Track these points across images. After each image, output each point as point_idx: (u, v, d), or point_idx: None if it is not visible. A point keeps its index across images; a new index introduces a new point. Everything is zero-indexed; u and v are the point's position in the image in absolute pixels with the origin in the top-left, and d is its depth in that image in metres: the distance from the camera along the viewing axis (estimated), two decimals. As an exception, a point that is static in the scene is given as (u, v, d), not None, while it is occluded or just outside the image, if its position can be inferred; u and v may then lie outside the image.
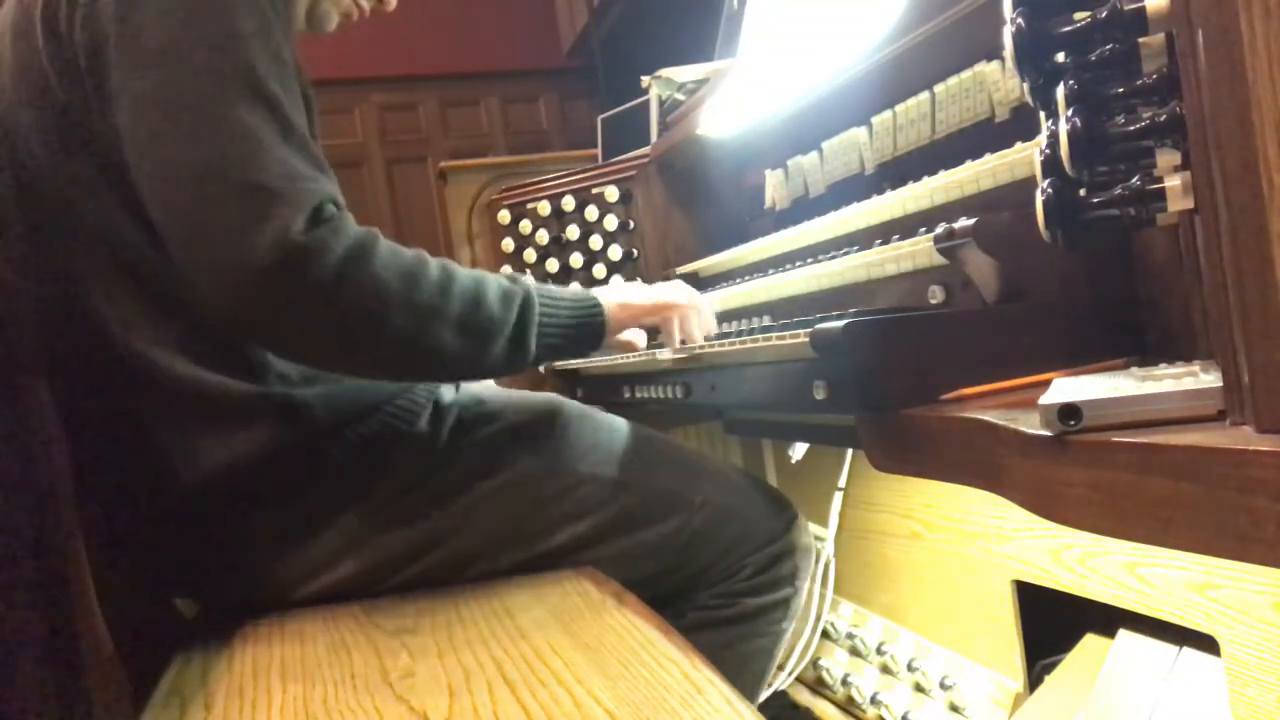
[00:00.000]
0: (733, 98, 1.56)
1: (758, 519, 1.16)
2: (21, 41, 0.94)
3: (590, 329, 1.05)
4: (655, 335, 1.41)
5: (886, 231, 1.17)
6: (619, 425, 1.14)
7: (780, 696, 1.72)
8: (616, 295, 1.09)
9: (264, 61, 0.86)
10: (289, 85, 0.89)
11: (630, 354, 1.29)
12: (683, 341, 1.13)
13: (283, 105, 0.86)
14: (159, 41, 0.85)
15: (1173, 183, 0.52)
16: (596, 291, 1.08)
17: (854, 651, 1.59)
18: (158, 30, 0.85)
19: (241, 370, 0.94)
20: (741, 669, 1.16)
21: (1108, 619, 1.05)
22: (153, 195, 0.86)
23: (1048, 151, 0.58)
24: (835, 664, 1.61)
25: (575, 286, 1.07)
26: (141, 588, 1.07)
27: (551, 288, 1.03)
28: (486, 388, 1.18)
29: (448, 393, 1.08)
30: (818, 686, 1.67)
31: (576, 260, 1.88)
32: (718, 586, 1.14)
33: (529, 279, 1.02)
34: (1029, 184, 0.84)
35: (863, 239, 1.22)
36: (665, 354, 1.15)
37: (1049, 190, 0.58)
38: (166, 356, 0.93)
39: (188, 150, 0.83)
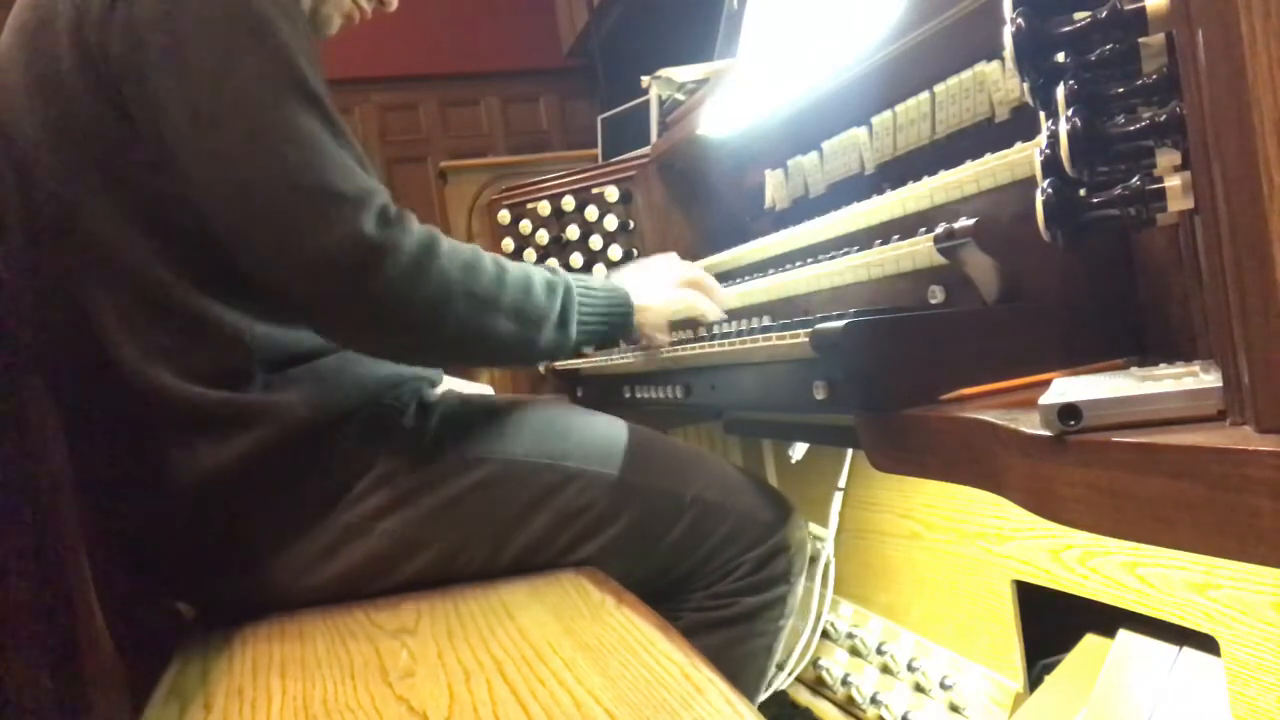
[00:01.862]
0: (733, 98, 1.56)
1: (752, 516, 1.15)
2: (36, 46, 0.94)
3: (621, 320, 1.12)
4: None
5: (886, 231, 1.17)
6: (608, 423, 1.14)
7: (780, 696, 1.72)
8: (645, 293, 1.15)
9: (306, 64, 0.90)
10: (324, 84, 0.91)
11: (630, 354, 1.30)
12: (677, 343, 1.16)
13: (330, 108, 0.90)
14: (206, 52, 0.87)
15: (1173, 183, 0.52)
16: (627, 285, 1.14)
17: (854, 651, 1.59)
18: (203, 40, 0.87)
19: (224, 380, 0.94)
20: (742, 669, 1.16)
21: (1108, 619, 1.05)
22: (221, 208, 0.89)
23: (1048, 151, 0.58)
24: (835, 664, 1.61)
25: (601, 271, 1.15)
26: (140, 589, 1.07)
27: (586, 278, 1.09)
28: (472, 390, 1.19)
29: (432, 394, 1.08)
30: (818, 686, 1.67)
31: (576, 260, 1.88)
32: (714, 586, 1.13)
33: (565, 272, 1.08)
34: (1029, 184, 0.84)
35: (863, 239, 1.22)
36: (663, 354, 1.15)
37: (1049, 190, 0.58)
38: (153, 367, 0.93)
39: (254, 160, 0.86)
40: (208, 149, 0.87)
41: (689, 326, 1.29)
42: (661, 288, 1.18)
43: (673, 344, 1.17)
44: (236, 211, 0.88)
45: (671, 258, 1.26)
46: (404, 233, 0.89)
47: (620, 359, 1.36)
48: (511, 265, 1.00)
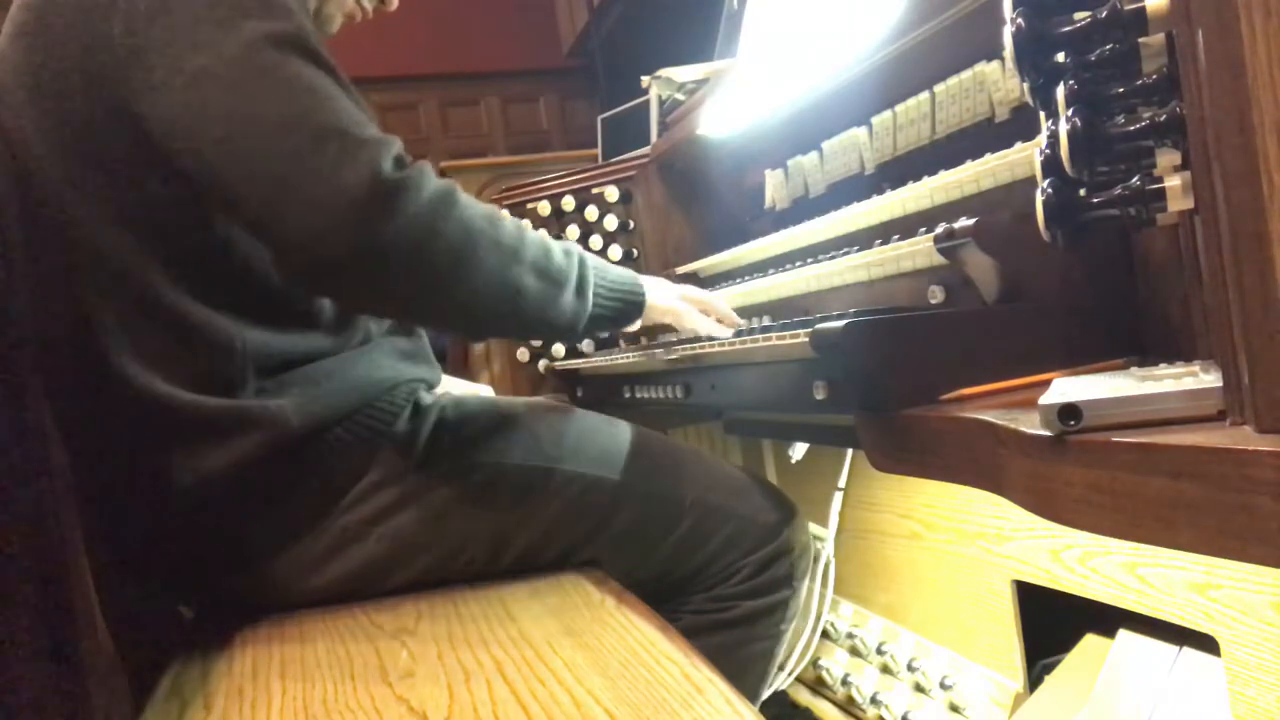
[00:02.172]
0: (733, 98, 1.56)
1: (754, 519, 1.14)
2: (34, 46, 0.94)
3: (633, 304, 1.09)
4: (655, 335, 1.42)
5: (886, 231, 1.17)
6: (607, 425, 1.13)
7: (780, 696, 1.72)
8: (655, 292, 1.14)
9: (309, 28, 0.89)
10: (332, 58, 0.90)
11: (630, 354, 1.30)
12: (677, 341, 1.15)
13: (335, 66, 0.88)
14: (206, 19, 0.86)
15: (1173, 183, 0.52)
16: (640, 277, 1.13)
17: (854, 651, 1.59)
18: (204, 8, 0.86)
19: (217, 386, 0.94)
20: (743, 672, 1.15)
21: (1108, 619, 1.05)
22: (228, 161, 0.85)
23: (1048, 151, 0.58)
24: (835, 664, 1.62)
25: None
26: (140, 590, 1.07)
27: (599, 259, 1.07)
28: (468, 392, 1.18)
29: (427, 397, 1.07)
30: (818, 686, 1.67)
31: (576, 260, 1.87)
32: (715, 589, 1.13)
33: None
34: (1029, 184, 0.84)
35: (863, 239, 1.22)
36: (663, 354, 1.15)
37: (1049, 190, 0.58)
38: (146, 373, 0.93)
39: (262, 108, 0.84)
40: (212, 104, 0.85)
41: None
42: (671, 291, 1.17)
43: (673, 344, 1.17)
44: (248, 164, 0.85)
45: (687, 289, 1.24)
46: (421, 174, 0.86)
47: (621, 359, 1.36)
48: (535, 231, 0.97)
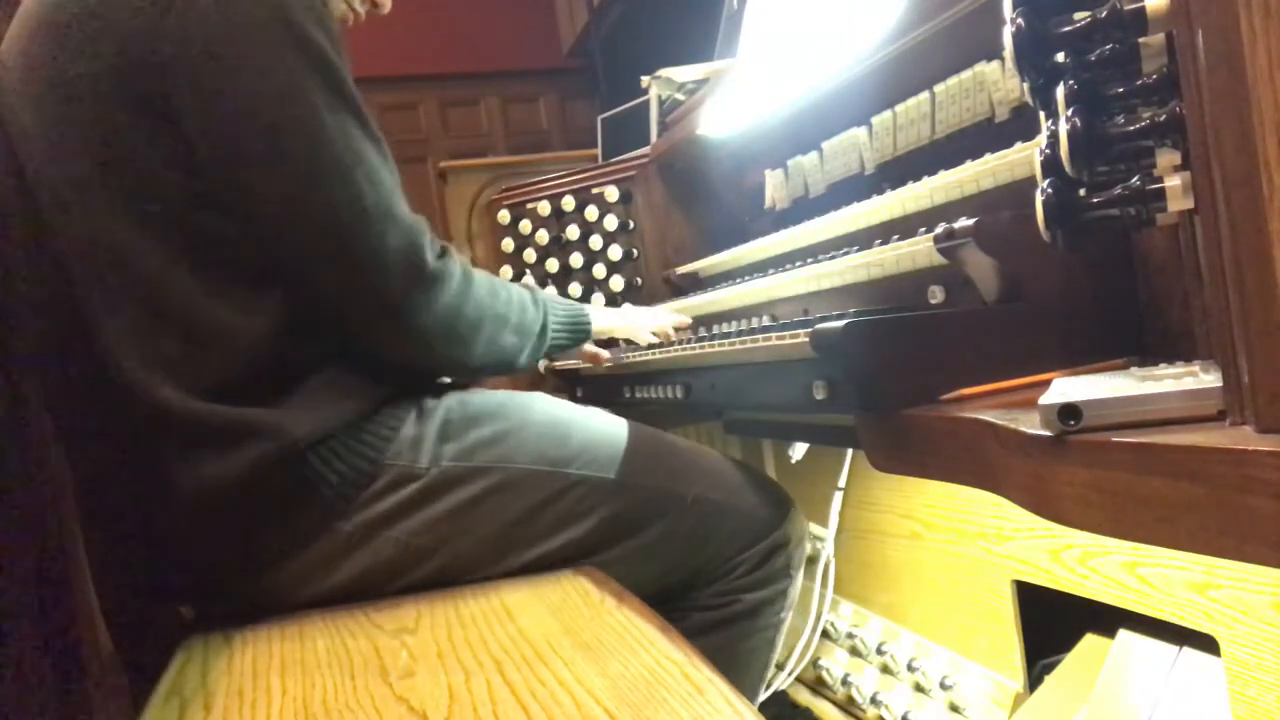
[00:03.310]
0: (733, 98, 1.56)
1: (752, 513, 1.16)
2: (52, 45, 0.94)
3: (579, 331, 1.26)
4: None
5: (886, 231, 1.17)
6: (609, 423, 1.14)
7: (780, 696, 1.72)
8: (598, 317, 1.31)
9: (350, 80, 0.96)
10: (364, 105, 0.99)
11: (630, 355, 1.30)
12: (677, 343, 1.25)
13: (374, 128, 0.99)
14: (262, 77, 0.91)
15: (1173, 183, 0.52)
16: (583, 306, 1.30)
17: (854, 651, 1.59)
18: (254, 64, 0.91)
19: (225, 393, 0.94)
20: (748, 662, 1.17)
21: (1108, 619, 1.05)
22: (280, 222, 0.94)
23: (1048, 151, 0.58)
24: (835, 664, 1.61)
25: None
26: (141, 591, 1.07)
27: (550, 295, 1.23)
28: (471, 392, 1.18)
29: (431, 399, 1.07)
30: (818, 686, 1.67)
31: (576, 260, 1.88)
32: (716, 584, 1.14)
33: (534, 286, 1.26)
34: (1029, 184, 0.84)
35: (863, 239, 1.22)
36: (664, 352, 1.16)
37: (1049, 190, 0.58)
38: (152, 377, 0.93)
39: (316, 190, 0.93)
40: (278, 175, 0.92)
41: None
42: (612, 315, 1.36)
43: (673, 344, 1.18)
44: (303, 235, 0.94)
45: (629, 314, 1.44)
46: (453, 261, 1.02)
47: (621, 359, 1.36)
48: (510, 286, 1.12)
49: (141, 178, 0.92)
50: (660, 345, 1.31)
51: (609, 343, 1.45)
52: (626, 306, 1.46)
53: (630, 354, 1.33)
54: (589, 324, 1.27)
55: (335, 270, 0.95)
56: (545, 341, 1.16)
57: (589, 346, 1.34)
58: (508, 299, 1.09)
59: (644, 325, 1.39)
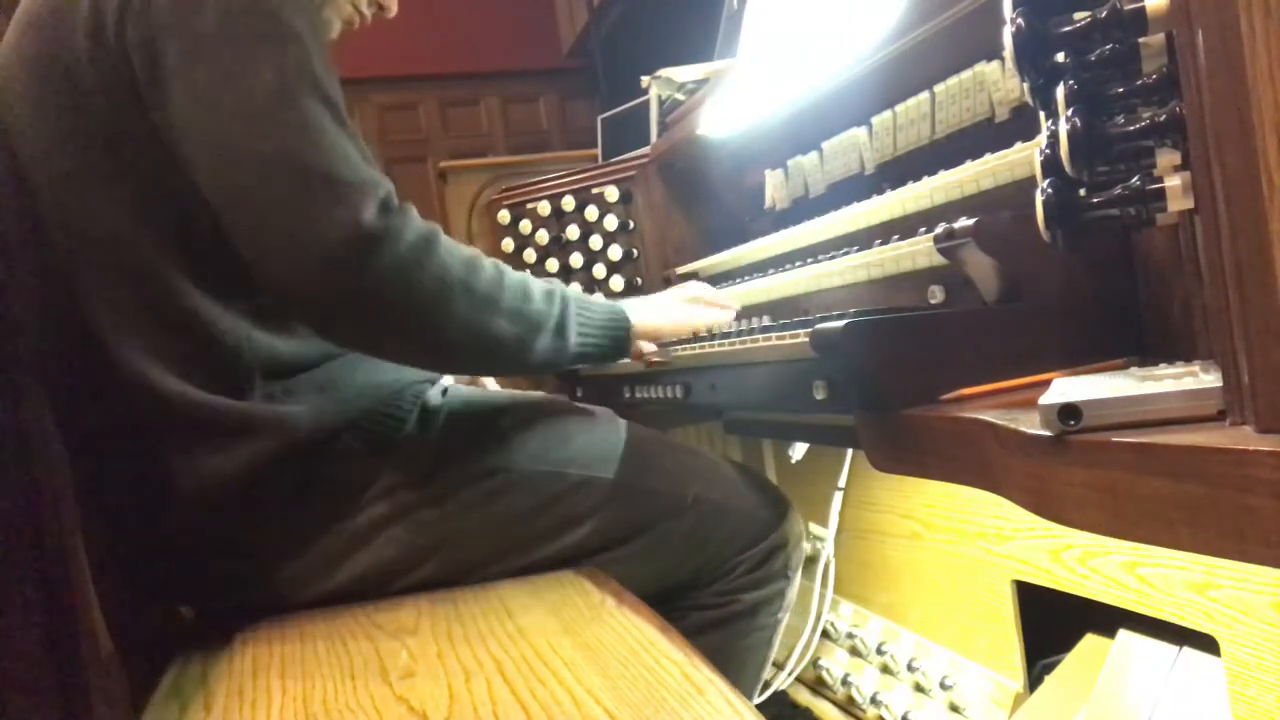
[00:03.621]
0: (733, 98, 1.56)
1: (751, 514, 1.16)
2: (45, 39, 0.94)
3: (620, 337, 1.10)
4: None
5: (886, 231, 1.17)
6: (609, 423, 1.14)
7: (780, 696, 1.72)
8: (641, 314, 1.14)
9: (318, 60, 0.89)
10: (336, 83, 0.91)
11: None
12: (677, 342, 1.17)
13: (336, 100, 0.90)
14: (219, 38, 0.87)
15: (1173, 183, 0.52)
16: (625, 305, 1.13)
17: (854, 651, 1.59)
18: (217, 27, 0.87)
19: (227, 387, 0.94)
20: (745, 661, 1.17)
21: (1108, 619, 1.05)
22: (218, 185, 0.88)
23: (1048, 151, 0.58)
24: (835, 664, 1.61)
25: (600, 297, 1.15)
26: (141, 590, 1.07)
27: (585, 295, 1.08)
28: (475, 390, 1.18)
29: (434, 397, 1.07)
30: (818, 686, 1.67)
31: (576, 260, 1.88)
32: (715, 585, 1.14)
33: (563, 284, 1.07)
34: (1029, 184, 0.84)
35: (863, 239, 1.22)
36: (663, 354, 1.15)
37: (1049, 190, 0.58)
38: (154, 369, 0.92)
39: (257, 140, 0.85)
40: (213, 132, 0.87)
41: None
42: (659, 309, 1.18)
43: (673, 344, 1.18)
44: (237, 196, 0.87)
45: (674, 289, 1.26)
46: (404, 223, 0.88)
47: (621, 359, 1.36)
48: (510, 270, 0.99)
49: (134, 172, 0.92)
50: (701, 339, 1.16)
51: None
52: (683, 297, 1.23)
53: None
54: (625, 330, 1.10)
55: (255, 236, 0.87)
56: (567, 341, 1.02)
57: (643, 345, 1.16)
58: (497, 278, 0.96)
59: (704, 312, 1.20)
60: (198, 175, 0.89)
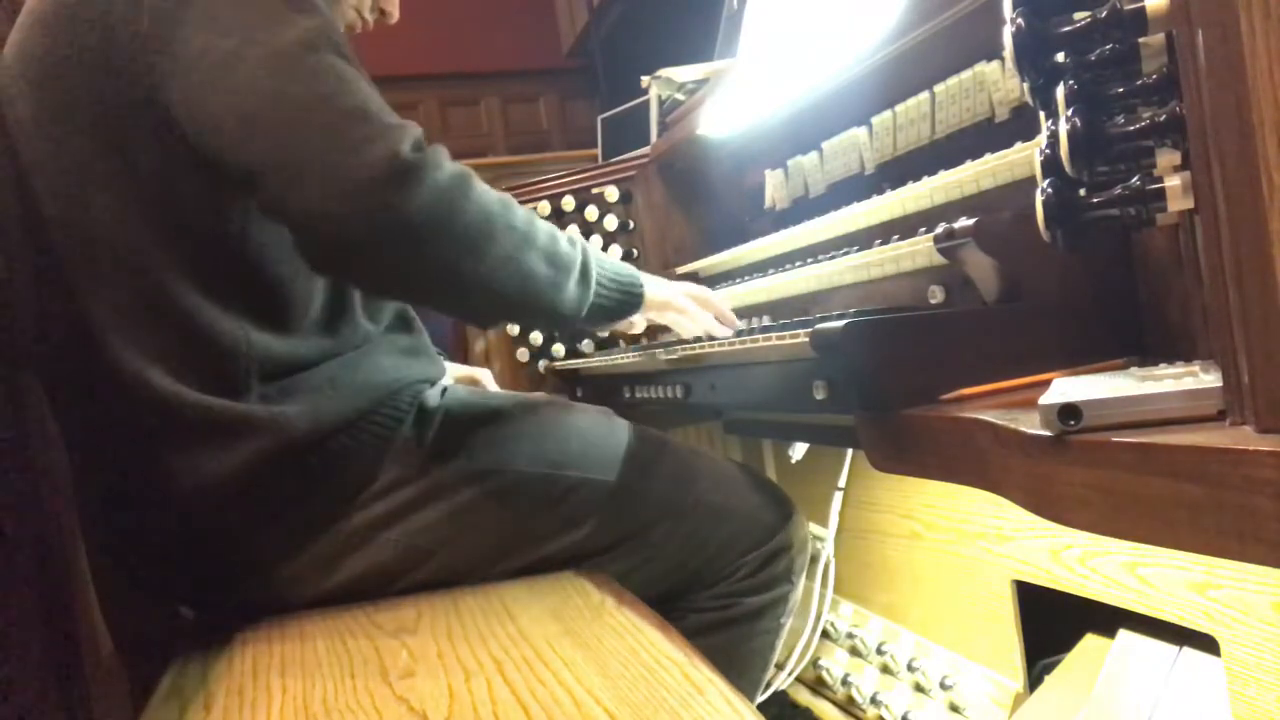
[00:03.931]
0: (733, 98, 1.56)
1: (754, 517, 1.15)
2: (49, 37, 0.94)
3: (632, 293, 1.08)
4: (655, 335, 1.42)
5: (886, 231, 1.17)
6: (610, 425, 1.13)
7: (780, 696, 1.72)
8: (652, 285, 1.12)
9: (338, 33, 0.90)
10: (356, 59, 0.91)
11: (630, 354, 1.30)
12: (677, 342, 1.16)
13: (359, 64, 0.90)
14: (237, 12, 0.87)
15: (1173, 183, 0.52)
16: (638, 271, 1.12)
17: (854, 651, 1.59)
18: (232, 5, 0.88)
19: (224, 388, 0.94)
20: (744, 668, 1.16)
21: (1108, 619, 1.05)
22: (252, 135, 0.86)
23: (1048, 151, 0.58)
24: (835, 664, 1.61)
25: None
26: (141, 591, 1.07)
27: (598, 250, 1.06)
28: (473, 390, 1.18)
29: (433, 397, 1.07)
30: (818, 686, 1.67)
31: (576, 260, 1.87)
32: (716, 587, 1.13)
33: None
34: (1029, 184, 0.84)
35: (863, 239, 1.22)
36: (663, 354, 1.15)
37: (1049, 190, 0.58)
38: (152, 370, 0.92)
39: (288, 84, 0.85)
40: (241, 84, 0.86)
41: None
42: (669, 287, 1.16)
43: (673, 344, 1.17)
44: (272, 138, 0.85)
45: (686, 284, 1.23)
46: (439, 155, 0.88)
47: (621, 359, 1.36)
48: (534, 213, 0.99)
49: (136, 174, 0.92)
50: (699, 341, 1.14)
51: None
52: (684, 284, 1.20)
53: (630, 354, 1.32)
54: (641, 288, 1.09)
55: (290, 171, 0.85)
56: (589, 289, 1.01)
57: (638, 317, 1.13)
58: (529, 219, 0.95)
59: (702, 311, 1.16)
60: (222, 136, 0.87)
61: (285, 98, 0.85)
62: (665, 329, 1.23)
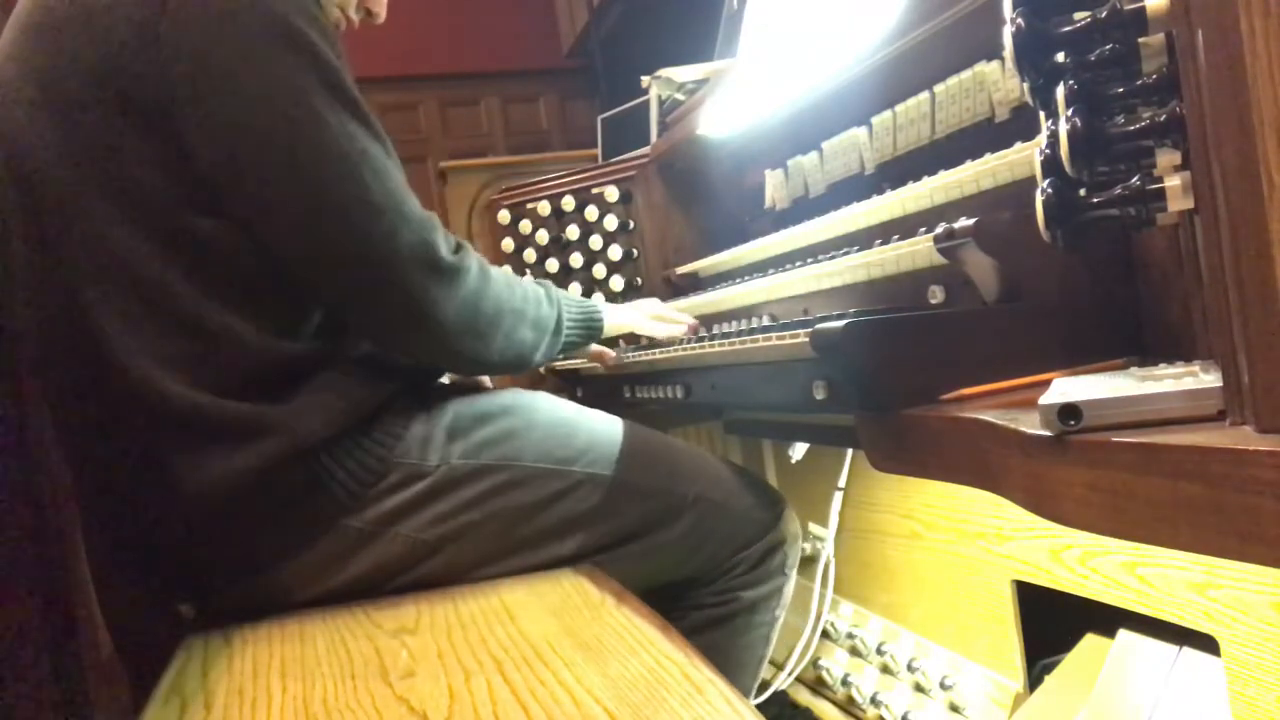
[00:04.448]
0: (733, 98, 1.56)
1: (749, 513, 1.17)
2: (49, 47, 0.94)
3: (594, 327, 1.23)
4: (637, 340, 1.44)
5: (886, 231, 1.17)
6: (610, 424, 1.14)
7: (780, 696, 1.72)
8: (611, 313, 1.29)
9: (349, 80, 0.95)
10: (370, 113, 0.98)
11: (630, 354, 1.30)
12: (680, 342, 1.23)
13: (381, 130, 0.98)
14: (261, 82, 0.90)
15: (1173, 183, 0.52)
16: (592, 302, 1.27)
17: (854, 651, 1.59)
18: (252, 71, 0.90)
19: (232, 390, 0.94)
20: (742, 660, 1.18)
21: (1108, 619, 1.05)
22: (296, 227, 0.94)
23: (1048, 151, 0.58)
24: (835, 664, 1.61)
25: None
26: (141, 591, 1.07)
27: (562, 292, 1.20)
28: (477, 389, 1.19)
29: (436, 396, 1.08)
30: (818, 686, 1.67)
31: (576, 260, 1.88)
32: (715, 583, 1.15)
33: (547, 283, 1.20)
34: (1029, 184, 0.84)
35: (863, 239, 1.22)
36: (665, 352, 1.16)
37: (1049, 190, 0.58)
38: (159, 373, 0.93)
39: (337, 186, 0.92)
40: (280, 174, 0.91)
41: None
42: (625, 310, 1.34)
43: (673, 345, 1.19)
44: (311, 231, 0.93)
45: (637, 302, 1.43)
46: (469, 256, 1.00)
47: (622, 359, 1.36)
48: (525, 281, 1.11)
49: (137, 182, 0.92)
50: (665, 345, 1.29)
51: (609, 340, 1.44)
52: (638, 301, 1.43)
53: (631, 354, 1.32)
54: (601, 321, 1.25)
55: (350, 270, 0.95)
56: (560, 339, 1.14)
57: (596, 346, 1.32)
58: (524, 294, 1.08)
59: (657, 323, 1.37)
60: (269, 222, 0.94)
61: (327, 205, 0.92)
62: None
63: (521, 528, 1.05)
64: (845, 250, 1.20)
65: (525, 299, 1.08)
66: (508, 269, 1.10)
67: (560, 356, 1.24)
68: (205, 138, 0.91)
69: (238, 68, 0.90)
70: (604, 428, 1.13)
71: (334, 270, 0.95)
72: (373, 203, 0.93)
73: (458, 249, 0.99)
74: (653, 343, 1.35)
